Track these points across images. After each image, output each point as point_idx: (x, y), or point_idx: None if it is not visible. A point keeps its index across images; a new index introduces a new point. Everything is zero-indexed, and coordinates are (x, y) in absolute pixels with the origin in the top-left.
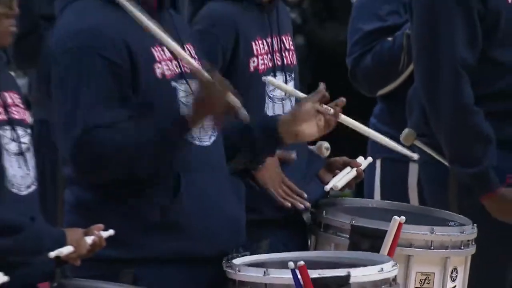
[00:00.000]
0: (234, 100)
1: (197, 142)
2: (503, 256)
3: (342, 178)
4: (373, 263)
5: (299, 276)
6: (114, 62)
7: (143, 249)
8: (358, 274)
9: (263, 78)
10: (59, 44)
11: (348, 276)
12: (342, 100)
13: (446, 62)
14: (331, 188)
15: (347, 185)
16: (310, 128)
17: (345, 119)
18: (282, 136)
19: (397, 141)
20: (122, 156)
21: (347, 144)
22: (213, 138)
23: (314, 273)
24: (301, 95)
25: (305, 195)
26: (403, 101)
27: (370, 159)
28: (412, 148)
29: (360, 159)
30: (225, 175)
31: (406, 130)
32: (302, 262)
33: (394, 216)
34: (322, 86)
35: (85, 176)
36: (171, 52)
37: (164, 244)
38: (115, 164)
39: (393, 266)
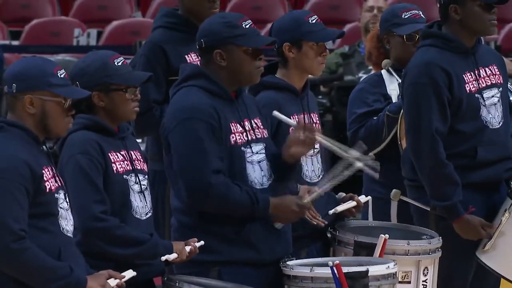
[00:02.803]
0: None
1: (258, 186)
2: (466, 259)
3: (343, 206)
4: (382, 263)
5: (336, 271)
6: (212, 124)
7: (225, 255)
8: (373, 270)
9: (273, 112)
10: (171, 118)
11: (367, 271)
12: (318, 128)
13: (426, 132)
14: (334, 211)
15: (349, 212)
16: (298, 149)
17: (320, 137)
18: (284, 159)
19: (382, 184)
20: (222, 204)
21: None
22: (269, 182)
23: (344, 269)
24: (293, 122)
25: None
26: (385, 159)
27: (369, 197)
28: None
29: (362, 197)
30: None
31: (393, 191)
32: (337, 261)
33: (381, 234)
34: (301, 119)
35: (194, 205)
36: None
37: (239, 253)
38: (216, 206)
39: (394, 265)
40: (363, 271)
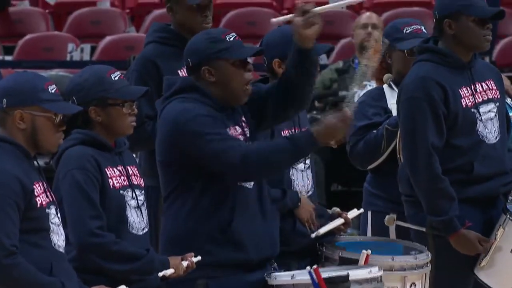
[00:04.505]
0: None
1: (247, 185)
2: (464, 277)
3: (326, 228)
4: (365, 267)
5: (314, 276)
6: (215, 116)
7: (212, 256)
8: (354, 273)
9: (271, 20)
10: (171, 122)
11: (347, 275)
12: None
13: (422, 146)
14: (316, 235)
15: (337, 229)
16: (308, 30)
17: (317, 8)
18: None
19: (382, 198)
20: (270, 160)
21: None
22: (252, 183)
23: (325, 274)
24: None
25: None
26: (386, 172)
27: (361, 210)
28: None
29: (354, 210)
30: (263, 208)
31: (387, 216)
32: (315, 266)
33: (363, 250)
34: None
35: (250, 174)
36: None
37: (225, 254)
38: (265, 165)
39: (379, 270)
40: (343, 275)
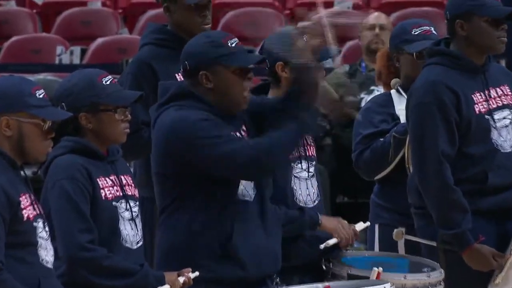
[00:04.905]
0: None
1: (247, 198)
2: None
3: (334, 239)
4: (378, 284)
5: None
6: (213, 119)
7: (209, 271)
8: None
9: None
10: (168, 132)
11: None
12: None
13: (431, 154)
14: (325, 245)
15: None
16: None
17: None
18: None
19: (390, 210)
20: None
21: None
22: (253, 196)
23: None
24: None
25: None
26: (394, 183)
27: (368, 223)
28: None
29: (360, 223)
30: (264, 222)
31: (395, 230)
32: (326, 283)
33: (374, 267)
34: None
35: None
36: None
37: (225, 270)
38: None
39: (391, 286)
40: None
